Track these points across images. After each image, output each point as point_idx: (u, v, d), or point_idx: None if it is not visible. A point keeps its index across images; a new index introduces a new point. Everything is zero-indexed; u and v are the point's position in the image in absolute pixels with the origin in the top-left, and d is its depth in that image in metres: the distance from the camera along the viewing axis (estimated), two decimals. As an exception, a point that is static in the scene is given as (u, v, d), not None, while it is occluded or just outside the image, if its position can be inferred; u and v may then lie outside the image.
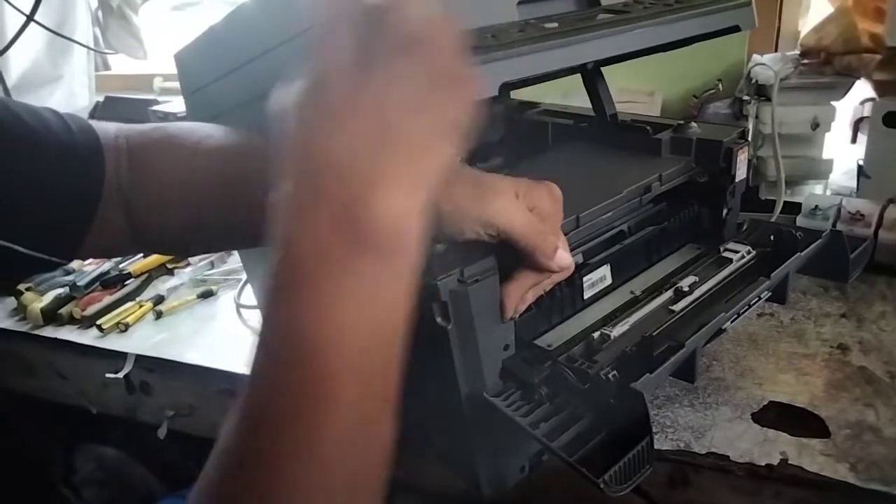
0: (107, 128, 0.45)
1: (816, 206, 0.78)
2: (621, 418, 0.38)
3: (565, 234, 0.44)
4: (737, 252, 0.56)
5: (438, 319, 0.41)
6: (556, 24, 0.42)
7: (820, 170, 0.92)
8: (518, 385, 0.44)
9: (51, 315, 0.78)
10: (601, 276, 0.53)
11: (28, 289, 0.81)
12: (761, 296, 0.49)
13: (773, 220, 0.83)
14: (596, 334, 0.47)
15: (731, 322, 0.46)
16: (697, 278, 0.53)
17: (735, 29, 0.53)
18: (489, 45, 0.37)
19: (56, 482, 0.85)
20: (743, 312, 0.47)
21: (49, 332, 0.78)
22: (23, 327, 0.79)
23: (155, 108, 1.06)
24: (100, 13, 1.31)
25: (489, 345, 0.43)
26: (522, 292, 0.42)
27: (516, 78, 0.38)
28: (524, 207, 0.40)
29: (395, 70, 0.27)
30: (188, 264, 0.88)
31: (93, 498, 0.88)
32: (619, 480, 0.35)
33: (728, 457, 0.51)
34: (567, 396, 0.42)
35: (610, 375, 0.40)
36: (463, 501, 0.62)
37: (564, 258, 0.41)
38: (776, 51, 1.00)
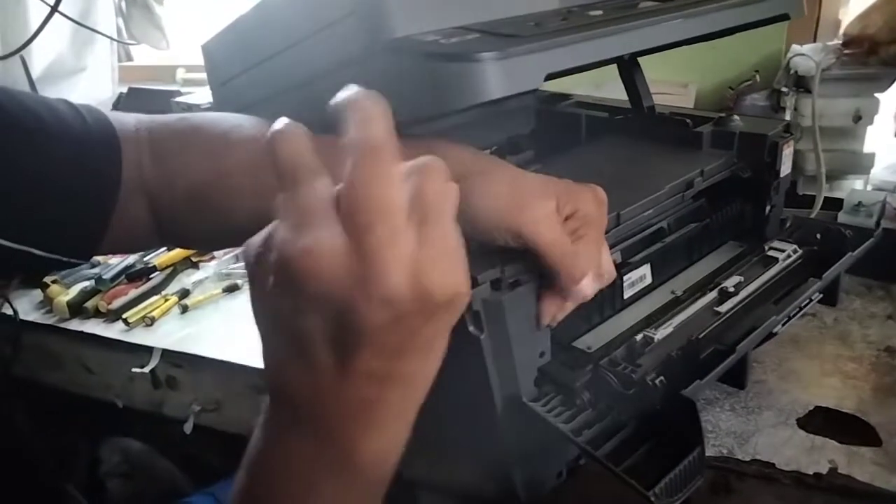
0: (125, 120, 0.44)
1: (860, 203, 0.75)
2: (670, 426, 0.36)
3: (605, 233, 0.42)
4: (782, 251, 0.54)
5: (471, 328, 0.39)
6: (600, 12, 0.40)
7: (861, 164, 0.89)
8: (558, 389, 0.42)
9: (77, 308, 0.78)
10: (641, 275, 0.52)
11: (54, 281, 0.81)
12: (812, 297, 0.46)
13: (812, 216, 0.80)
14: (638, 337, 0.45)
15: (783, 325, 0.44)
16: (742, 278, 0.51)
17: (784, 17, 0.51)
18: (532, 35, 0.35)
19: (80, 475, 0.85)
20: (794, 315, 0.45)
21: (75, 325, 0.78)
22: (49, 320, 0.79)
23: (178, 99, 1.05)
24: (123, 4, 1.31)
25: (524, 352, 0.41)
26: (562, 300, 0.40)
27: (560, 69, 0.36)
28: (558, 222, 0.37)
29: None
30: (213, 258, 0.87)
31: (118, 490, 0.88)
32: (670, 493, 0.33)
33: (773, 464, 0.49)
34: (610, 402, 0.40)
35: (657, 381, 0.38)
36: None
37: (587, 288, 0.39)
38: (815, 40, 0.96)
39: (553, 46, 0.34)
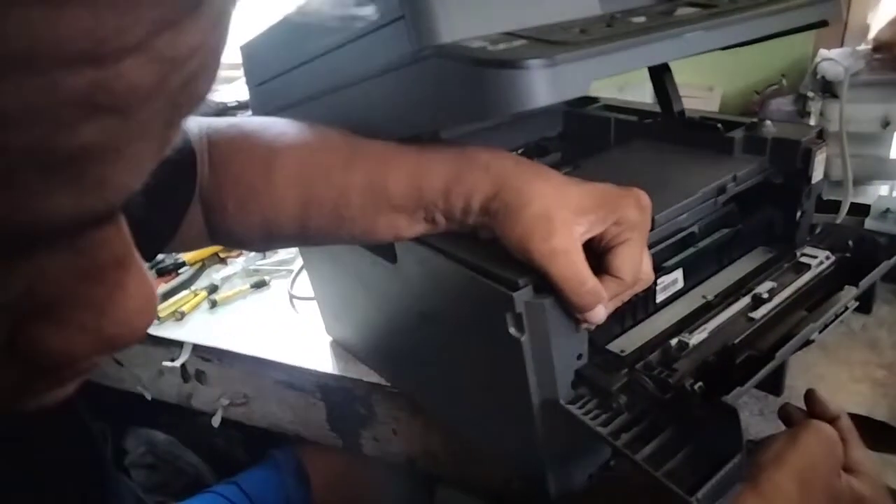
0: (193, 129, 0.45)
1: (888, 209, 0.75)
2: (709, 432, 0.36)
3: None
4: (815, 257, 0.54)
5: (512, 331, 0.40)
6: (643, 19, 0.41)
7: (888, 170, 0.89)
8: (594, 392, 0.43)
9: (108, 302, 0.79)
10: (673, 279, 0.52)
11: (86, 276, 0.82)
12: (848, 305, 0.46)
13: (838, 221, 0.80)
14: (673, 341, 0.45)
15: (819, 332, 0.44)
16: (775, 284, 0.51)
17: (822, 24, 0.51)
18: (579, 42, 0.36)
19: (110, 462, 0.87)
20: (831, 323, 0.45)
21: (107, 318, 0.79)
22: (81, 313, 0.80)
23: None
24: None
25: (563, 354, 0.42)
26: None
27: (607, 75, 0.36)
28: (576, 252, 0.38)
29: None
30: (241, 254, 0.89)
31: (142, 480, 0.90)
32: (711, 498, 0.33)
33: (803, 470, 0.49)
34: (647, 406, 0.41)
35: (695, 387, 0.38)
36: (520, 501, 0.62)
37: (597, 316, 0.39)
38: (842, 45, 0.96)
39: (599, 53, 0.34)
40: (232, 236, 0.46)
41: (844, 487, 0.40)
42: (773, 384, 0.42)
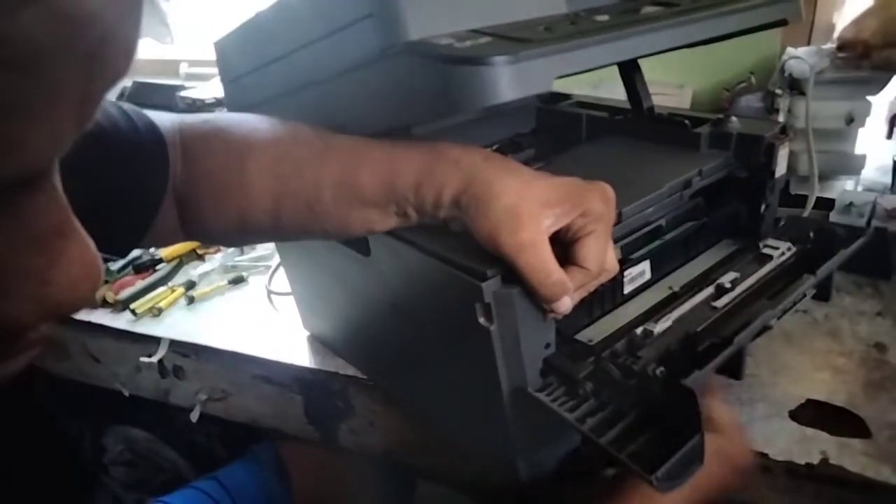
0: (165, 124, 0.45)
1: (851, 203, 0.78)
2: (670, 415, 0.37)
3: None
4: (777, 248, 0.56)
5: (481, 320, 0.41)
6: (607, 17, 0.42)
7: (852, 165, 0.91)
8: (561, 380, 0.44)
9: (84, 299, 0.79)
10: (641, 271, 0.53)
11: (62, 272, 0.82)
12: (807, 293, 0.48)
13: (805, 215, 0.82)
14: (638, 330, 0.47)
15: (778, 319, 0.46)
16: (738, 274, 0.53)
17: (783, 23, 0.52)
18: (543, 39, 0.37)
19: (88, 461, 0.86)
20: (789, 309, 0.47)
21: (83, 315, 0.79)
22: (57, 310, 0.80)
23: (182, 93, 1.06)
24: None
25: (531, 343, 0.43)
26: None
27: (570, 72, 0.37)
28: (543, 244, 0.39)
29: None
30: (218, 250, 0.89)
31: (122, 478, 0.89)
32: (670, 477, 0.35)
33: (766, 454, 0.51)
34: (611, 392, 0.42)
35: (657, 372, 0.40)
36: (496, 492, 0.63)
37: (564, 306, 0.41)
38: (809, 44, 0.98)
39: (563, 51, 0.36)
40: (206, 231, 0.47)
41: (710, 445, 0.42)
42: (733, 369, 0.43)
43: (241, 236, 0.47)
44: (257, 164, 0.44)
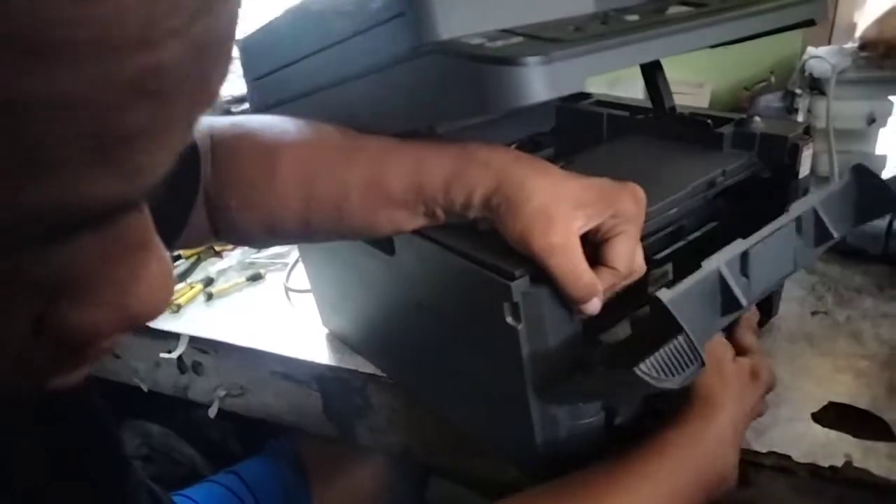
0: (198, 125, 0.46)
1: (873, 204, 0.77)
2: (656, 330, 0.37)
3: None
4: (801, 250, 0.55)
5: (509, 320, 0.41)
6: (637, 17, 0.42)
7: (873, 166, 0.90)
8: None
9: (105, 295, 0.80)
10: (664, 272, 0.53)
11: (82, 268, 0.83)
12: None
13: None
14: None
15: (752, 246, 0.45)
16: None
17: (810, 23, 0.52)
18: (574, 39, 0.37)
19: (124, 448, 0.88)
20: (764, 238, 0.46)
21: (103, 311, 0.79)
22: (77, 306, 0.81)
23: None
24: None
25: (558, 342, 0.43)
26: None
27: (602, 72, 0.37)
28: (574, 246, 0.39)
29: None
30: (235, 247, 0.89)
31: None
32: (661, 371, 0.35)
33: (790, 457, 0.51)
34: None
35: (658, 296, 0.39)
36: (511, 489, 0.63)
37: (593, 307, 0.41)
38: (830, 43, 0.97)
39: (595, 51, 0.36)
40: (235, 233, 0.47)
41: (744, 365, 0.50)
42: (766, 307, 0.42)
43: (270, 238, 0.48)
44: (285, 167, 0.44)
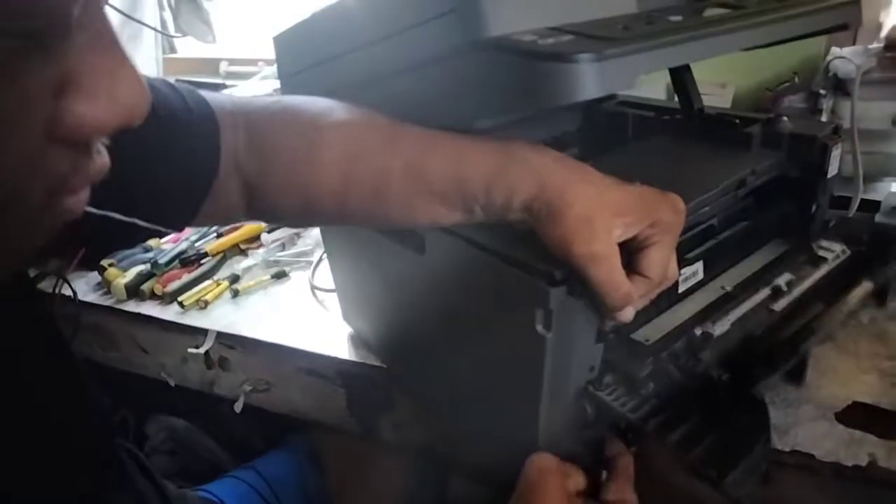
0: (222, 103, 0.45)
1: (898, 205, 0.77)
2: (736, 421, 0.38)
3: None
4: (831, 251, 0.56)
5: (539, 328, 0.41)
6: (680, 17, 0.42)
7: (896, 167, 0.90)
8: (621, 379, 0.44)
9: (133, 290, 0.81)
10: (694, 270, 0.53)
11: (111, 265, 0.84)
12: (866, 303, 0.48)
13: (849, 216, 0.81)
14: (697, 331, 0.47)
15: (842, 325, 0.46)
16: (793, 276, 0.53)
17: (843, 27, 0.52)
18: (624, 38, 0.37)
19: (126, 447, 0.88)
20: (852, 315, 0.46)
21: (132, 306, 0.80)
22: (106, 301, 0.82)
23: (224, 91, 1.08)
24: (171, -1, 1.33)
25: (580, 360, 0.43)
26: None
27: (650, 71, 0.37)
28: (614, 256, 0.39)
29: None
30: (261, 245, 0.90)
31: (162, 466, 0.91)
32: (739, 483, 0.35)
33: (813, 456, 0.50)
34: (672, 394, 0.42)
35: (722, 377, 0.40)
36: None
37: (626, 316, 0.41)
38: (854, 43, 0.97)
39: (645, 49, 0.36)
40: (271, 209, 0.47)
41: None
42: (797, 376, 0.43)
43: (304, 216, 0.47)
44: (327, 145, 0.43)
